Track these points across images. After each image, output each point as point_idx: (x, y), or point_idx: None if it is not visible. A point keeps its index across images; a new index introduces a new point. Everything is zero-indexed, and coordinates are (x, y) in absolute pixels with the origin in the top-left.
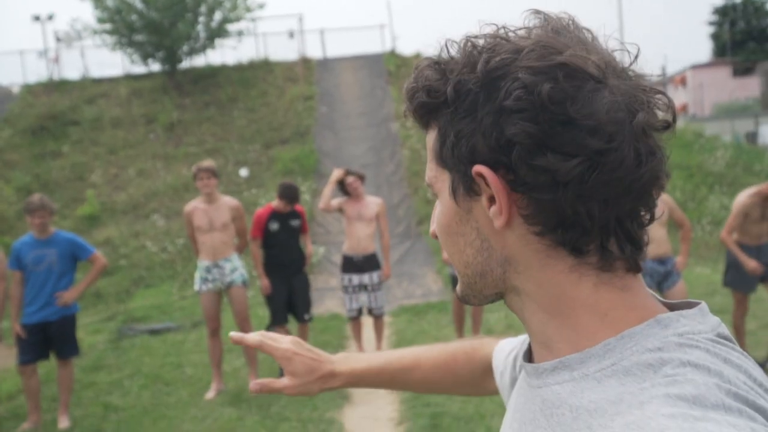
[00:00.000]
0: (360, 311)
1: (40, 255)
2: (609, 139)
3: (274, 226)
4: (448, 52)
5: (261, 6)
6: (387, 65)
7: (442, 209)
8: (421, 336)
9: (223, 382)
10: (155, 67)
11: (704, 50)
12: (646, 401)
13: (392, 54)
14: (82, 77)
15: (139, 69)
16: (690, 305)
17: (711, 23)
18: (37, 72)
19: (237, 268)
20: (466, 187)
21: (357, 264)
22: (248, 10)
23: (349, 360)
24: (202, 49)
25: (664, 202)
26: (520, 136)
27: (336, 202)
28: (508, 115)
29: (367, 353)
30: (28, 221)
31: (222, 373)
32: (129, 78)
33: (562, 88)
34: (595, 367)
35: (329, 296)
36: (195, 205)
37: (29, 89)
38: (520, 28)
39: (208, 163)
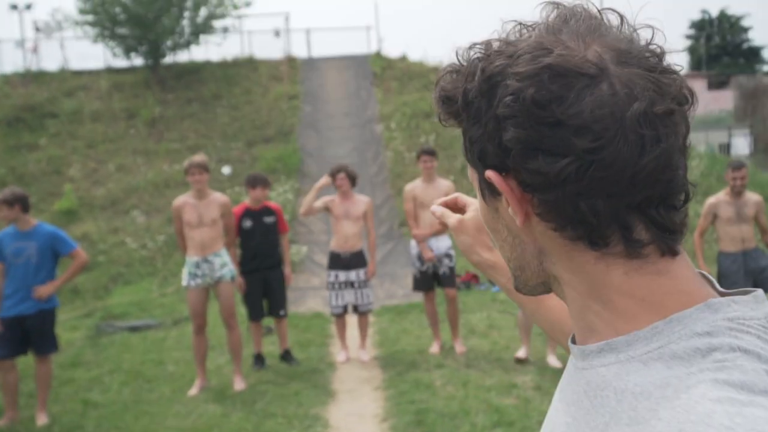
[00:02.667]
0: (345, 309)
1: (20, 247)
2: (596, 137)
3: (248, 223)
4: (458, 59)
5: (248, 3)
6: (373, 67)
7: (479, 207)
8: (404, 335)
9: (207, 378)
10: (138, 61)
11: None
12: (692, 385)
13: (378, 56)
14: (61, 69)
15: (120, 62)
16: (745, 293)
17: (687, 37)
18: (14, 62)
19: (226, 263)
20: (488, 188)
21: (344, 261)
22: (235, 7)
23: None
24: (186, 44)
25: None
26: (512, 141)
27: (320, 202)
28: (503, 121)
29: None
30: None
31: (206, 370)
32: (110, 71)
33: (549, 90)
34: (642, 349)
35: (311, 295)
36: (185, 200)
37: (6, 79)
38: (532, 24)
39: (199, 158)
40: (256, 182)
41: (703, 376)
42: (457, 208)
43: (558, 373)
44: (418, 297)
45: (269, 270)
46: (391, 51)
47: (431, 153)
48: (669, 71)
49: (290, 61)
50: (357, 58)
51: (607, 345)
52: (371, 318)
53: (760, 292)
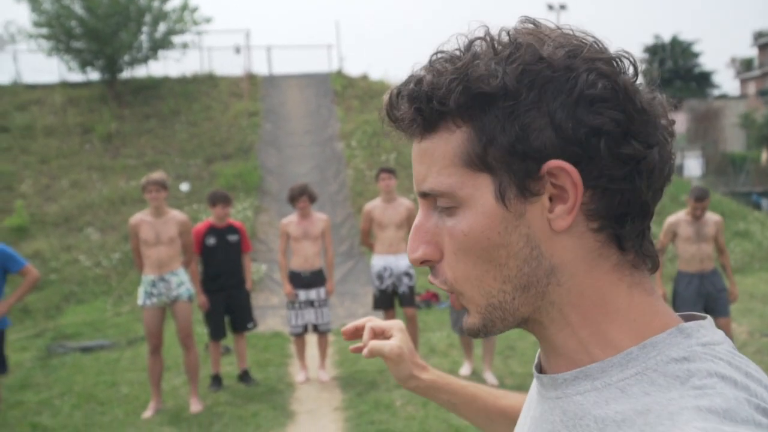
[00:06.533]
0: (305, 328)
1: None
2: (670, 130)
3: (211, 241)
4: (491, 43)
5: (208, 20)
6: (333, 85)
7: (477, 220)
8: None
9: (162, 400)
10: (94, 75)
11: None
12: (675, 412)
13: (339, 74)
14: (13, 82)
15: (76, 77)
16: (696, 317)
17: (641, 61)
18: None
19: (183, 282)
20: (520, 189)
21: (305, 279)
22: (195, 23)
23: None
24: (144, 59)
25: None
26: (610, 124)
27: (283, 236)
28: (590, 104)
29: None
30: None
31: (161, 392)
32: (65, 85)
33: (630, 80)
34: (618, 376)
35: (270, 314)
36: (141, 217)
37: None
38: (520, 31)
39: (158, 175)
40: (218, 200)
41: (684, 402)
42: (376, 334)
43: (517, 390)
44: (379, 316)
45: (233, 289)
46: (352, 70)
47: (390, 171)
48: (657, 93)
49: (251, 78)
50: (318, 76)
51: (581, 372)
52: (331, 337)
53: (710, 318)
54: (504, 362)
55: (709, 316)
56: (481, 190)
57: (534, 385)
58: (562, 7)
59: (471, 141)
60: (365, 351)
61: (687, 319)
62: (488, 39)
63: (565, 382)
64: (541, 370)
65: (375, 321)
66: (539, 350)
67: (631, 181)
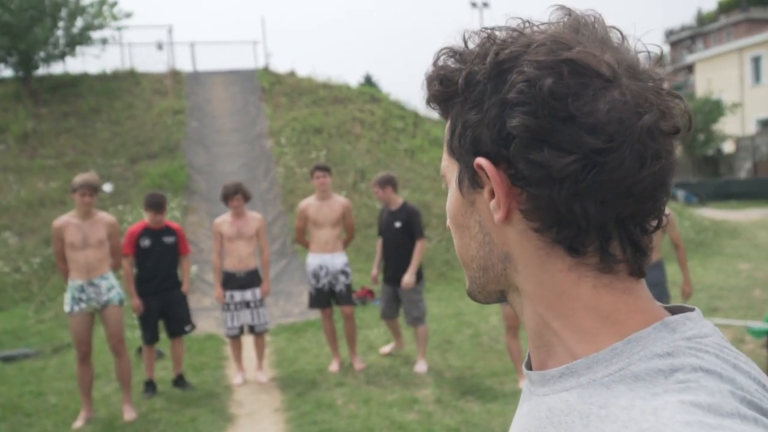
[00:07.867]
0: (241, 329)
1: None
2: (608, 139)
3: (146, 242)
4: (465, 42)
5: (128, 15)
6: (261, 82)
7: (450, 200)
8: (302, 354)
9: (93, 409)
10: (6, 72)
11: None
12: (659, 407)
13: (266, 71)
14: None
15: None
16: (684, 309)
17: None
18: None
19: (114, 286)
20: (470, 179)
21: (240, 280)
22: (114, 18)
23: None
24: (61, 55)
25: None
26: (518, 129)
27: (216, 236)
28: (511, 107)
29: None
30: None
31: (92, 400)
32: None
33: (566, 84)
34: (603, 372)
35: (203, 316)
36: (67, 219)
37: None
38: (543, 23)
39: (91, 177)
40: (148, 206)
41: (668, 397)
42: None
43: (456, 383)
44: (315, 314)
45: (167, 291)
46: (279, 66)
47: (325, 169)
48: (674, 95)
49: (174, 74)
50: (244, 72)
51: (567, 369)
52: (267, 338)
53: (698, 310)
54: (442, 356)
55: (697, 308)
56: (453, 175)
57: (525, 382)
58: (485, 4)
59: (448, 130)
60: None
61: (675, 312)
62: (465, 40)
63: (552, 379)
64: (531, 366)
65: None
66: (529, 348)
67: (547, 187)
